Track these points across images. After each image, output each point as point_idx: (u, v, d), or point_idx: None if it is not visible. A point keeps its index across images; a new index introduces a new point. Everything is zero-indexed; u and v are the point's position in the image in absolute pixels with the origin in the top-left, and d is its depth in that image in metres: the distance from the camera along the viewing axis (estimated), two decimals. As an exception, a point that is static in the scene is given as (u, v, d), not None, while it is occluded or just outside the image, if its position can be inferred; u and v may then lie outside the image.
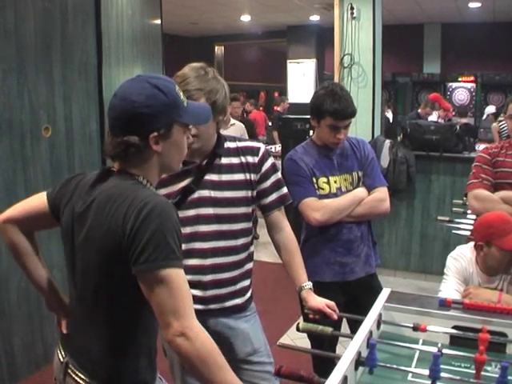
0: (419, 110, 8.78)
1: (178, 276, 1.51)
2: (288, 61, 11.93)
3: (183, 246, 1.68)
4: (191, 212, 2.21)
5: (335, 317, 2.30)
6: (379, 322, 2.16)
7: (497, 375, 1.70)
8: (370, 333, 2.01)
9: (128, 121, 1.60)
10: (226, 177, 2.26)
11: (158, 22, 5.04)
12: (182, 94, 1.71)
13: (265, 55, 16.37)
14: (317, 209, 2.83)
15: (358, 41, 5.77)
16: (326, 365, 1.84)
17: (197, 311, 1.55)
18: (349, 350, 1.83)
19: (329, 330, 2.15)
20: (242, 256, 2.31)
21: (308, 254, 2.77)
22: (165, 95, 1.62)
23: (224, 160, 2.26)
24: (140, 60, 4.80)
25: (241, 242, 2.30)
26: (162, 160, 1.68)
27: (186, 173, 2.19)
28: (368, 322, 2.05)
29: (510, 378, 1.74)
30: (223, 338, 2.24)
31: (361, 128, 5.43)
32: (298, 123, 6.87)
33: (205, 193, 2.22)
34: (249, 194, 2.29)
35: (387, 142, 5.64)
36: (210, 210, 2.22)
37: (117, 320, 1.64)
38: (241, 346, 2.33)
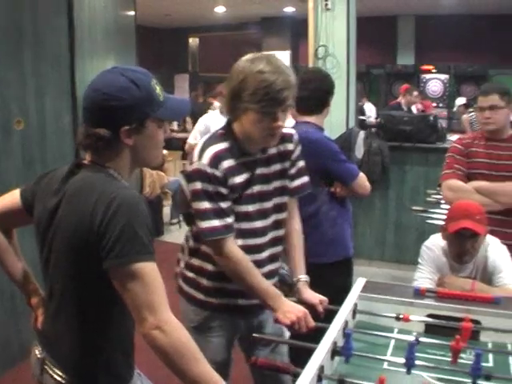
0: (401, 100, 8.73)
1: (150, 270, 1.50)
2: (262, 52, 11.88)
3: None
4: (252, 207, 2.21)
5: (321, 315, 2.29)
6: (355, 312, 2.18)
7: (471, 362, 1.72)
8: (346, 322, 2.03)
9: (98, 113, 1.58)
10: (272, 168, 2.27)
11: (132, 13, 4.99)
12: (158, 87, 1.67)
13: (240, 47, 16.28)
14: None
15: (333, 32, 5.78)
16: (302, 355, 1.85)
17: None
18: (325, 339, 1.85)
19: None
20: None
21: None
22: (138, 88, 1.59)
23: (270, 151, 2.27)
24: (113, 52, 4.75)
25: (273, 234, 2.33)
26: (136, 154, 1.66)
27: (243, 166, 2.19)
28: (343, 312, 2.07)
29: (483, 364, 1.77)
30: None
31: (335, 119, 5.44)
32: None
33: (260, 187, 2.23)
34: (285, 183, 2.32)
35: (362, 133, 5.66)
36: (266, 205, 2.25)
37: (87, 315, 1.62)
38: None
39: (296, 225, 2.43)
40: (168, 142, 3.21)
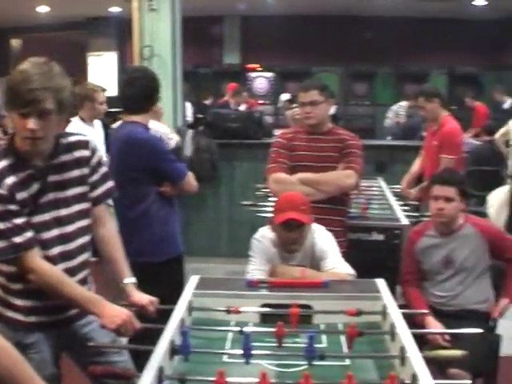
0: (230, 99, 8.85)
1: None
2: (88, 54, 11.52)
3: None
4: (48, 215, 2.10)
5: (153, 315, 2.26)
6: (190, 309, 2.18)
7: (305, 345, 1.80)
8: (182, 321, 2.03)
9: None
10: (66, 175, 2.15)
11: None
12: None
13: (65, 48, 15.64)
14: None
15: (158, 32, 5.74)
16: (144, 358, 1.82)
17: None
18: (161, 340, 1.83)
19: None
20: None
21: None
22: None
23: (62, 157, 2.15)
24: None
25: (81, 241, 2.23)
26: None
27: (30, 177, 2.05)
28: (179, 311, 2.07)
29: (317, 345, 1.86)
30: None
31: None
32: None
33: (54, 194, 2.11)
34: (85, 189, 2.21)
35: (189, 132, 5.70)
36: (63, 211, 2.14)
37: None
38: None
39: (112, 230, 2.37)
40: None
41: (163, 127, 4.80)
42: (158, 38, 5.76)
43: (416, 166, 4.93)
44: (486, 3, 9.93)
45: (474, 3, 9.99)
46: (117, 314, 2.05)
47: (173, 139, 4.91)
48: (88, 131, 4.47)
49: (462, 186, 3.16)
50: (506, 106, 8.88)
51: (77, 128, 4.47)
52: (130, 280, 2.30)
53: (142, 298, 2.25)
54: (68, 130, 2.55)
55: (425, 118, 4.79)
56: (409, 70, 11.93)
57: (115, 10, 10.55)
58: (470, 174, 6.19)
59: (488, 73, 11.91)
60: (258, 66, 12.33)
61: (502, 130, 7.62)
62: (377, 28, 11.36)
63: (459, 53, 11.80)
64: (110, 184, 2.33)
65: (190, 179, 3.29)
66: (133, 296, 2.26)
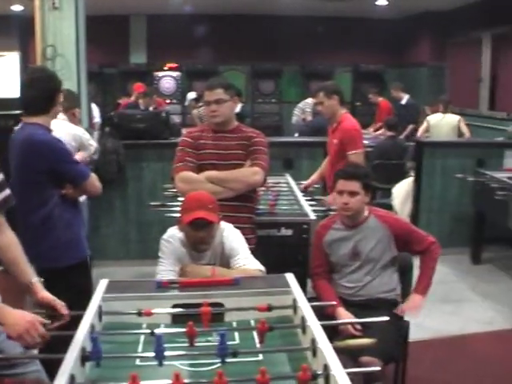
0: (140, 100, 8.69)
1: None
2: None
3: None
4: None
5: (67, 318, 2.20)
6: (101, 314, 2.14)
7: (218, 343, 1.80)
8: (92, 326, 1.98)
9: None
10: None
11: None
12: None
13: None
14: None
15: (61, 32, 5.57)
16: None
17: None
18: (71, 347, 1.79)
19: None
20: None
21: None
22: None
23: None
24: None
25: None
26: None
27: None
28: (88, 316, 2.02)
29: (230, 342, 1.87)
30: None
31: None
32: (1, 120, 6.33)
33: None
34: None
35: (95, 134, 5.58)
36: None
37: None
38: None
39: (12, 236, 2.29)
40: None
41: (85, 133, 4.70)
42: (62, 38, 5.59)
43: (323, 164, 4.97)
44: (387, 3, 10.26)
45: (376, 3, 10.29)
46: (18, 322, 1.95)
47: (93, 146, 4.80)
48: None
49: (366, 179, 3.25)
50: (403, 102, 9.21)
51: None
52: (36, 279, 2.24)
53: (50, 295, 2.19)
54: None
55: (322, 113, 4.83)
56: (314, 68, 12.15)
57: (17, 8, 10.13)
58: (375, 167, 6.41)
59: (391, 70, 12.39)
60: (164, 65, 12.21)
61: (423, 127, 7.94)
62: (283, 27, 11.52)
63: (363, 51, 12.19)
64: (6, 192, 2.24)
65: (93, 181, 3.24)
66: (40, 292, 2.19)
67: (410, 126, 8.68)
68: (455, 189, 6.30)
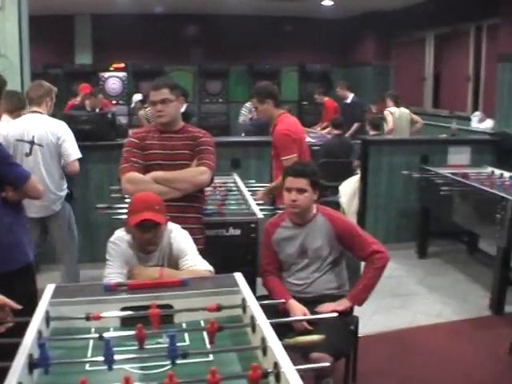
0: (86, 101, 8.56)
1: None
2: None
3: None
4: None
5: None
6: (48, 320, 2.11)
7: (167, 345, 1.80)
8: (40, 332, 1.95)
9: None
10: None
11: None
12: None
13: None
14: None
15: (4, 32, 5.45)
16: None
17: None
18: (18, 354, 1.75)
19: None
20: None
21: None
22: None
23: None
24: None
25: None
26: None
27: None
28: (35, 323, 1.98)
29: (180, 344, 1.87)
30: None
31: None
32: None
33: None
34: None
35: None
36: None
37: None
38: None
39: None
40: None
41: None
42: (4, 38, 5.47)
43: None
44: (333, 3, 10.38)
45: (322, 3, 10.39)
46: None
47: None
48: None
49: (314, 177, 3.28)
50: (348, 100, 9.34)
51: None
52: None
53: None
54: None
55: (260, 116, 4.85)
56: (261, 68, 12.23)
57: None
58: (322, 165, 6.48)
59: (337, 69, 12.57)
60: (110, 65, 12.06)
61: (389, 120, 7.97)
62: (230, 27, 11.56)
63: (309, 50, 12.36)
64: None
65: (34, 183, 3.17)
66: None
67: (356, 124, 8.82)
68: (401, 185, 6.43)
